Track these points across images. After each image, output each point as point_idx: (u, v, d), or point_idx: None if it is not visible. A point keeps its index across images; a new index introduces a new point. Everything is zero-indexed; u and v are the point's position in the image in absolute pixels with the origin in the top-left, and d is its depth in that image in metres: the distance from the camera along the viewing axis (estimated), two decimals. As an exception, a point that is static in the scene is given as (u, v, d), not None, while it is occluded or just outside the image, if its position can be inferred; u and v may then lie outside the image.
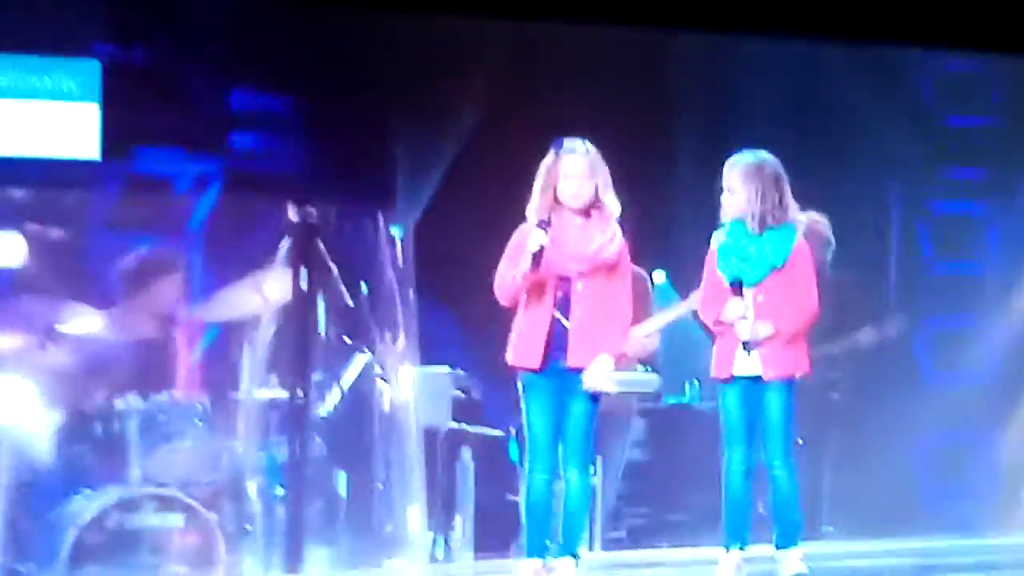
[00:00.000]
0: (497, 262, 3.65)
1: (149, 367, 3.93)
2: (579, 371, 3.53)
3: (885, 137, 4.75)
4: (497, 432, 4.29)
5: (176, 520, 3.76)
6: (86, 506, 3.68)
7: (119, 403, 3.82)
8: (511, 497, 4.12)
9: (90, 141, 3.92)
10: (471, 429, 4.29)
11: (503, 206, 3.78)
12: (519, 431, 3.95)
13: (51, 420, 3.76)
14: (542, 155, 3.64)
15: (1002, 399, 5.07)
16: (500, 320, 3.72)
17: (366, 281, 4.18)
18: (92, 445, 3.84)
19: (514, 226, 3.66)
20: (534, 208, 3.58)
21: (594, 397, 3.58)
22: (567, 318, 3.52)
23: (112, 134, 3.91)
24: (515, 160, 3.76)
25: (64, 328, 3.79)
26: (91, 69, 3.91)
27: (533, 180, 3.70)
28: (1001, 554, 4.44)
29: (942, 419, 4.97)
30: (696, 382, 4.67)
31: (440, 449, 4.24)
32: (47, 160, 3.85)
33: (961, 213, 5.17)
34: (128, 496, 3.74)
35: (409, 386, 4.22)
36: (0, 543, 3.62)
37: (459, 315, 4.30)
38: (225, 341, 4.04)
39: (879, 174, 4.79)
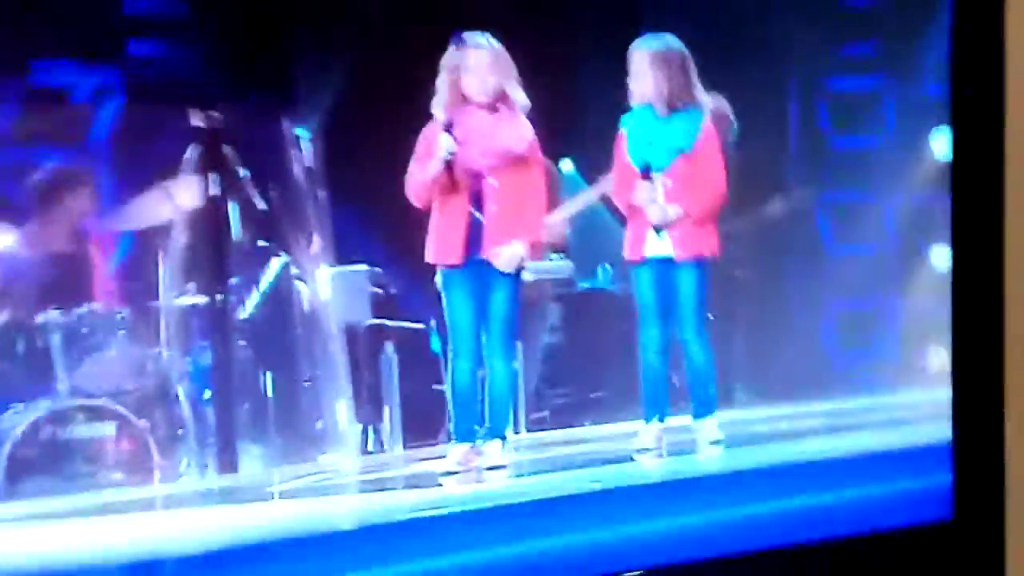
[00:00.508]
0: (406, 159, 3.68)
1: (66, 281, 3.90)
2: (487, 263, 3.71)
3: (780, 18, 4.69)
4: (418, 325, 4.31)
5: (108, 429, 3.76)
6: (17, 421, 3.67)
7: (40, 318, 3.79)
8: (436, 387, 4.21)
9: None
10: (392, 324, 4.30)
11: (409, 103, 3.76)
12: (440, 323, 4.04)
13: None
14: (444, 50, 3.64)
15: (900, 266, 5.12)
16: (413, 217, 3.78)
17: (277, 184, 4.14)
18: (18, 362, 3.81)
19: (421, 123, 3.68)
20: (440, 104, 3.63)
21: (513, 286, 3.74)
22: (482, 212, 3.66)
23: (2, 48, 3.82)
24: (418, 56, 3.73)
25: None
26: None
27: (436, 76, 3.66)
28: (906, 411, 4.53)
29: (845, 288, 5.00)
30: (608, 267, 4.69)
31: (362, 345, 4.26)
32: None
33: (857, 89, 5.12)
34: (58, 408, 3.73)
35: (327, 285, 4.22)
36: None
37: (372, 214, 4.27)
38: (140, 250, 4.00)
39: (776, 54, 4.76)
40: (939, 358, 4.92)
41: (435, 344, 4.28)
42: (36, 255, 3.82)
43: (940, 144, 4.99)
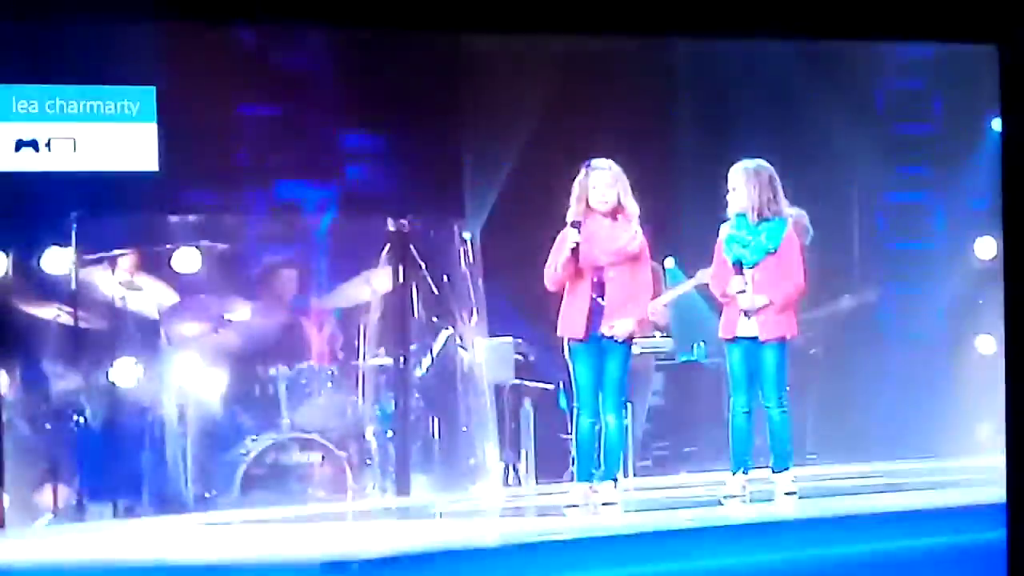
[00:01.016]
0: (546, 258, 4.02)
1: (293, 343, 4.52)
2: (613, 338, 3.89)
3: (847, 144, 5.02)
4: (550, 385, 4.72)
5: (316, 457, 4.36)
6: (252, 448, 4.32)
7: (272, 371, 4.43)
8: (563, 436, 4.55)
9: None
10: (530, 384, 4.72)
11: (548, 214, 4.13)
12: (567, 385, 4.32)
13: (225, 385, 4.36)
14: (576, 172, 3.99)
15: (948, 351, 5.41)
16: (548, 301, 4.13)
17: (447, 275, 4.64)
18: (254, 403, 4.41)
19: (558, 230, 4.02)
20: (571, 214, 3.93)
21: (624, 356, 3.94)
22: (602, 298, 3.92)
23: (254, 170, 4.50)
24: (557, 177, 4.11)
25: (231, 317, 4.39)
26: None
27: (570, 193, 3.98)
28: (952, 474, 4.62)
29: (900, 368, 5.27)
30: (702, 343, 4.94)
31: (507, 400, 4.70)
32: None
33: (910, 202, 5.48)
34: (281, 440, 4.36)
35: (481, 352, 4.68)
36: (193, 476, 4.23)
37: (517, 298, 4.70)
38: (346, 322, 4.56)
39: (844, 174, 5.07)
40: (987, 429, 5.11)
41: (562, 401, 4.65)
42: (272, 323, 4.46)
43: (982, 248, 5.37)
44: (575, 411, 4.02)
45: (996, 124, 5.28)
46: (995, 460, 4.28)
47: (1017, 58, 3.29)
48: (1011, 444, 3.54)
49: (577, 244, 3.89)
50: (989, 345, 5.39)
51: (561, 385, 4.63)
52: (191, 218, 4.32)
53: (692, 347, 4.96)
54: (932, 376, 5.35)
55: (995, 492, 3.92)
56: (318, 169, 4.53)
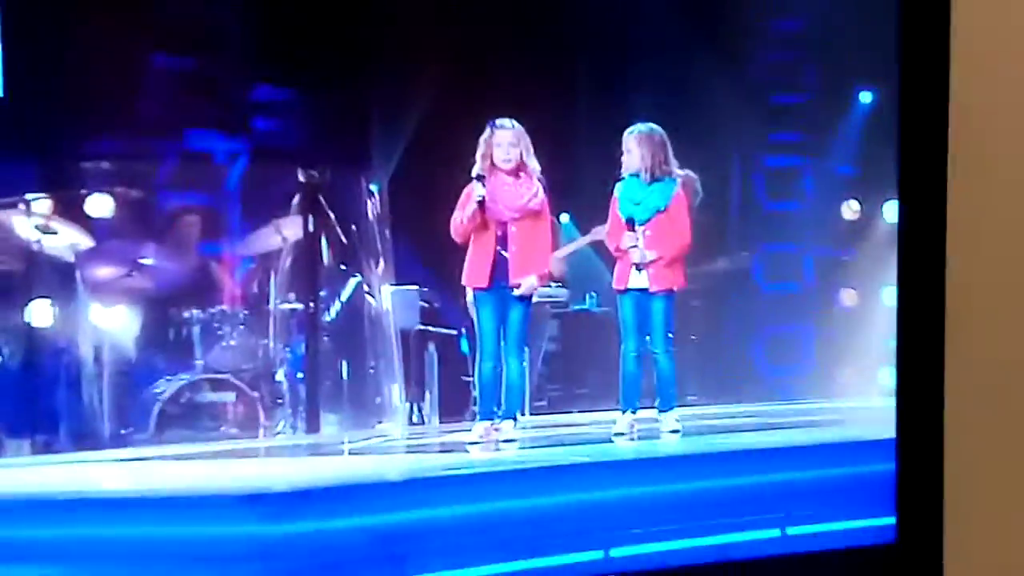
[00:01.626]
0: (450, 210, 4.11)
1: (205, 288, 4.42)
2: (515, 287, 4.06)
3: (731, 113, 5.01)
4: (452, 331, 4.71)
5: (229, 397, 4.30)
6: (166, 387, 4.25)
7: (185, 314, 4.36)
8: (464, 378, 4.57)
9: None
10: (433, 329, 4.71)
11: (453, 168, 4.18)
12: (468, 331, 4.45)
13: (140, 327, 4.25)
14: (480, 130, 4.09)
15: (815, 301, 5.44)
16: (452, 252, 4.21)
17: (355, 224, 4.60)
18: (168, 345, 4.32)
19: (462, 183, 4.10)
20: (476, 169, 4.02)
21: (526, 306, 4.09)
22: (505, 251, 4.04)
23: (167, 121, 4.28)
24: (462, 134, 4.16)
25: (145, 262, 4.27)
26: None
27: (475, 149, 4.08)
28: (818, 415, 4.82)
29: (771, 317, 5.36)
30: (594, 294, 4.99)
31: (411, 344, 4.69)
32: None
33: (789, 168, 5.47)
34: (194, 380, 4.29)
35: (388, 300, 4.66)
36: (108, 415, 4.13)
37: (422, 248, 4.67)
38: (257, 269, 4.49)
39: (728, 142, 5.13)
40: (847, 373, 5.21)
41: (464, 346, 4.67)
42: (185, 268, 4.36)
43: (847, 209, 5.38)
44: (478, 355, 4.09)
45: (863, 96, 5.40)
46: (854, 402, 4.80)
47: None
48: (900, 385, 3.59)
49: (483, 198, 3.94)
50: (852, 298, 5.50)
51: (463, 331, 4.62)
52: (105, 164, 4.19)
53: (584, 297, 5.01)
54: (800, 325, 5.44)
55: (857, 430, 4.30)
56: (229, 119, 4.40)
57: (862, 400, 5.00)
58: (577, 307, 5.04)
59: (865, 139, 5.38)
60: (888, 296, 5.22)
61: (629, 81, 4.94)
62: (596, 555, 3.36)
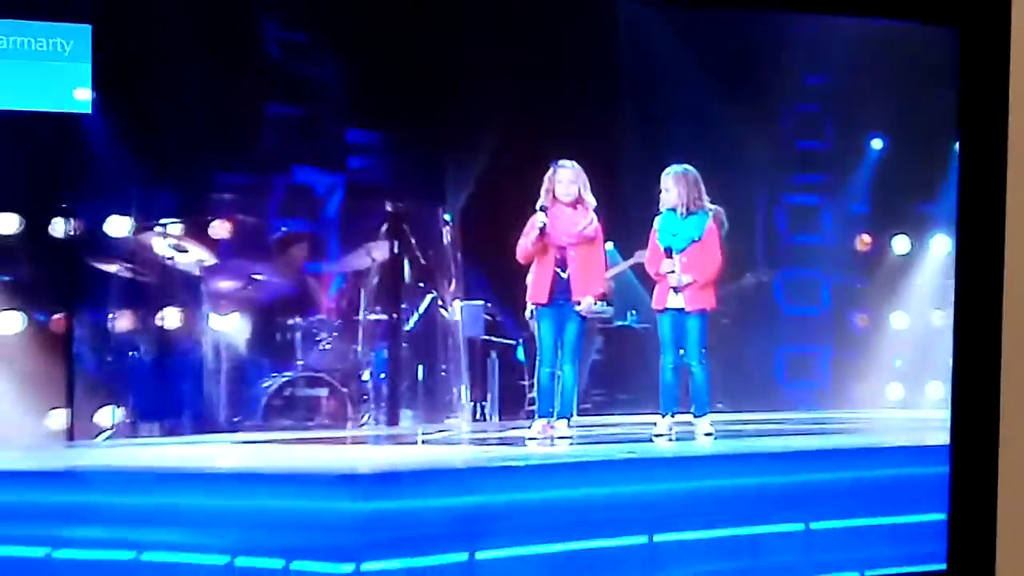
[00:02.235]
0: (511, 238, 4.29)
1: (306, 300, 4.72)
2: (572, 304, 4.23)
3: (757, 156, 5.24)
4: (512, 341, 4.90)
5: (323, 392, 4.54)
6: (272, 382, 4.51)
7: (289, 321, 4.63)
8: (520, 382, 4.79)
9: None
10: (495, 339, 4.89)
11: (515, 202, 4.35)
12: (525, 341, 4.65)
13: (252, 331, 4.56)
14: (545, 169, 4.30)
15: (833, 325, 5.62)
16: (513, 274, 4.37)
17: (432, 248, 4.84)
18: (275, 347, 4.59)
19: (522, 215, 4.29)
20: (541, 202, 4.21)
21: (580, 321, 4.25)
22: (564, 272, 4.23)
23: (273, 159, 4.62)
24: (529, 172, 4.38)
25: (257, 277, 4.57)
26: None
27: (531, 185, 4.26)
28: (833, 424, 4.92)
29: (792, 337, 5.52)
30: (634, 312, 5.15)
31: (477, 351, 4.86)
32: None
33: (809, 206, 5.67)
34: (295, 377, 4.55)
35: (458, 313, 4.84)
36: (224, 405, 4.40)
37: (488, 269, 4.90)
38: (350, 285, 4.76)
39: (752, 180, 5.31)
40: (863, 387, 5.37)
41: (520, 354, 4.87)
42: (290, 283, 4.67)
43: (860, 242, 5.55)
44: (537, 362, 4.30)
45: (875, 143, 5.61)
46: (875, 413, 4.96)
47: (976, 40, 3.26)
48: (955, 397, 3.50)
49: (545, 225, 4.16)
50: (865, 320, 5.69)
51: (520, 341, 4.84)
52: (226, 195, 4.51)
53: (627, 314, 5.18)
54: (818, 343, 5.63)
55: (869, 438, 4.44)
56: (328, 158, 4.69)
57: (873, 412, 5.17)
58: (619, 323, 5.24)
59: (877, 181, 5.58)
60: (897, 320, 5.57)
61: (668, 128, 5.14)
62: (642, 539, 3.39)
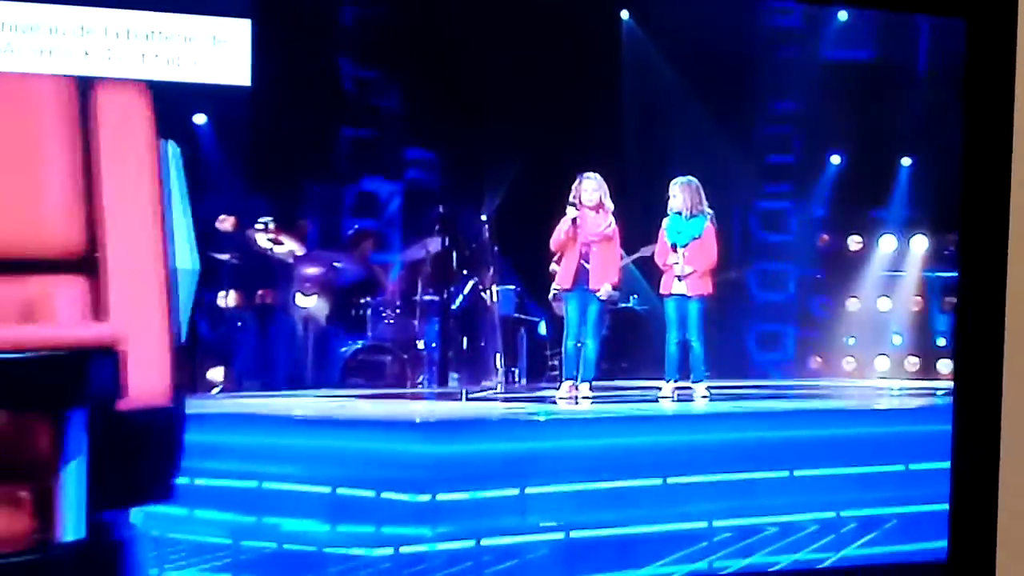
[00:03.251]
0: (537, 235, 4.48)
1: (373, 284, 4.99)
2: (594, 292, 4.49)
3: (737, 171, 5.48)
4: (537, 319, 5.14)
5: (387, 358, 4.82)
6: (347, 349, 4.78)
7: (360, 301, 4.90)
8: (544, 353, 5.04)
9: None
10: (524, 317, 5.14)
11: (540, 206, 4.57)
12: (547, 319, 4.92)
13: (331, 309, 4.81)
14: (570, 179, 4.50)
15: (797, 308, 5.90)
16: (538, 263, 4.59)
17: (474, 243, 5.09)
18: (350, 321, 4.82)
19: (547, 217, 4.48)
20: (569, 204, 4.43)
21: (599, 303, 4.52)
22: (587, 263, 4.49)
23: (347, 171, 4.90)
24: (559, 181, 4.53)
25: (336, 265, 4.83)
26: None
27: (562, 192, 4.47)
28: (796, 389, 5.08)
29: (765, 316, 5.77)
30: (636, 296, 5.32)
31: (509, 327, 5.11)
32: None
33: (779, 210, 5.95)
34: (365, 345, 4.82)
35: (494, 295, 5.10)
36: (310, 366, 4.67)
37: (518, 260, 5.14)
38: (408, 272, 5.03)
39: (731, 191, 5.41)
40: (819, 361, 5.66)
41: (542, 329, 5.11)
42: (361, 270, 4.95)
43: (822, 241, 5.82)
44: (564, 335, 4.57)
45: (833, 158, 5.91)
46: (831, 381, 5.17)
47: (982, 33, 2.95)
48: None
49: (576, 217, 4.43)
50: (824, 305, 5.99)
51: (543, 320, 5.09)
52: (311, 199, 4.85)
53: (630, 298, 5.40)
54: (784, 323, 5.94)
55: (834, 402, 4.67)
56: (388, 169, 5.05)
57: (829, 380, 5.45)
58: (623, 305, 5.43)
59: (835, 190, 5.87)
60: (851, 304, 5.84)
61: (671, 146, 5.38)
62: (656, 481, 3.42)
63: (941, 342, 5.84)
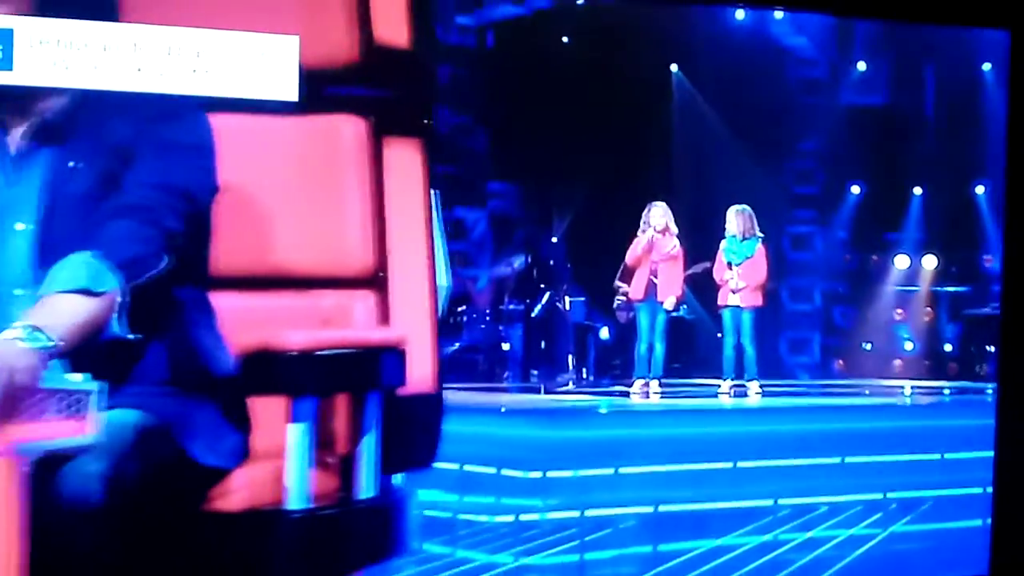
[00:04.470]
0: (602, 256, 4.71)
1: (466, 295, 5.05)
2: (661, 303, 4.63)
3: (770, 198, 5.56)
4: (602, 325, 5.22)
5: (479, 357, 4.89)
6: (448, 348, 4.74)
7: (458, 309, 4.93)
8: (608, 355, 5.14)
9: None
10: (592, 324, 5.21)
11: (605, 228, 4.81)
12: (610, 326, 5.04)
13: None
14: (642, 207, 4.66)
15: (822, 317, 6.09)
16: (605, 278, 4.76)
17: (551, 259, 5.23)
18: (449, 326, 4.84)
19: (616, 240, 4.62)
20: (641, 229, 4.63)
21: (666, 312, 4.66)
22: (656, 278, 4.64)
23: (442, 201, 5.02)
24: (633, 207, 4.68)
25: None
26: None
27: (624, 219, 4.66)
28: (841, 388, 5.19)
29: (798, 324, 5.95)
30: (685, 306, 5.33)
31: (579, 332, 5.19)
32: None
33: (806, 233, 6.19)
34: (461, 346, 4.87)
35: (567, 305, 5.19)
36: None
37: (588, 276, 5.20)
38: (495, 285, 5.16)
39: (769, 216, 5.40)
40: (847, 363, 5.80)
41: (605, 335, 5.19)
42: (456, 285, 4.93)
43: (845, 260, 6.15)
44: (637, 340, 4.72)
45: (853, 188, 6.19)
46: (852, 381, 5.24)
47: None
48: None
49: (652, 237, 4.62)
50: (844, 315, 6.16)
51: (608, 327, 5.19)
52: None
53: (680, 308, 5.46)
54: (811, 330, 6.12)
55: (857, 400, 4.68)
56: (474, 200, 5.21)
57: (851, 380, 5.43)
58: (675, 314, 5.44)
59: (854, 216, 6.15)
60: (869, 314, 5.94)
61: (718, 179, 5.54)
62: (727, 465, 3.40)
63: (948, 348, 6.09)
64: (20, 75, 1.42)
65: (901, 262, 6.16)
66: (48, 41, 1.45)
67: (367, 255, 1.31)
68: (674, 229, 4.71)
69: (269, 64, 1.42)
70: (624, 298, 5.06)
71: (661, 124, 5.28)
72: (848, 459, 3.47)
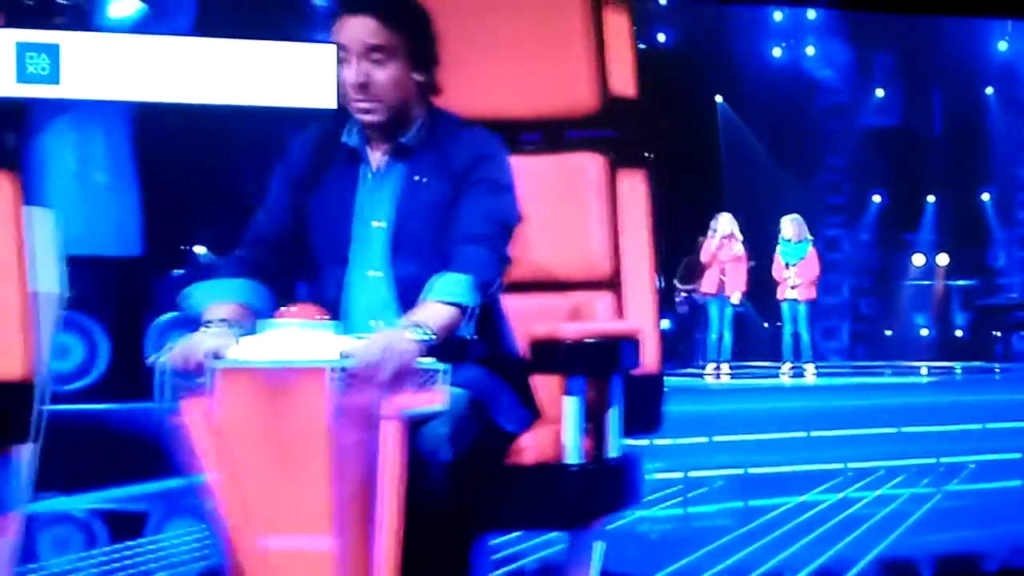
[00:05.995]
0: (667, 258, 4.88)
1: None
2: (728, 297, 4.78)
3: (810, 208, 5.63)
4: (667, 317, 5.28)
5: None
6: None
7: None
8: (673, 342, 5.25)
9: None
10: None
11: (682, 237, 4.99)
12: (671, 318, 5.20)
13: None
14: (711, 217, 4.83)
15: (850, 308, 6.33)
16: (669, 277, 5.08)
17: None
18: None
19: (681, 244, 4.97)
20: (709, 235, 4.78)
21: (732, 306, 4.83)
22: (724, 276, 4.79)
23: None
24: (692, 219, 5.00)
25: None
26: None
27: (692, 226, 4.95)
28: (878, 369, 5.22)
29: (840, 316, 6.19)
30: (746, 300, 5.26)
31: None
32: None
33: (836, 236, 6.41)
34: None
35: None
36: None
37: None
38: None
39: (809, 221, 5.30)
40: (868, 348, 6.00)
41: (665, 325, 4.78)
42: None
43: (869, 259, 6.36)
44: (709, 329, 4.86)
45: (875, 198, 6.44)
46: (878, 363, 5.35)
47: None
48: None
49: (722, 241, 4.78)
50: (870, 306, 6.42)
51: (670, 319, 5.38)
52: None
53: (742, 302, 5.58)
54: (840, 319, 6.31)
55: (885, 379, 4.73)
56: None
57: (876, 362, 5.60)
58: (739, 308, 5.40)
59: (880, 220, 6.40)
60: (891, 306, 6.22)
61: (762, 192, 5.82)
62: (800, 435, 3.44)
63: (959, 333, 6.33)
64: (65, 89, 1.31)
65: (918, 259, 6.42)
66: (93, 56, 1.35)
67: (605, 263, 1.49)
68: (738, 235, 4.86)
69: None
70: (686, 294, 5.26)
71: (712, 147, 5.64)
72: (906, 428, 3.58)
